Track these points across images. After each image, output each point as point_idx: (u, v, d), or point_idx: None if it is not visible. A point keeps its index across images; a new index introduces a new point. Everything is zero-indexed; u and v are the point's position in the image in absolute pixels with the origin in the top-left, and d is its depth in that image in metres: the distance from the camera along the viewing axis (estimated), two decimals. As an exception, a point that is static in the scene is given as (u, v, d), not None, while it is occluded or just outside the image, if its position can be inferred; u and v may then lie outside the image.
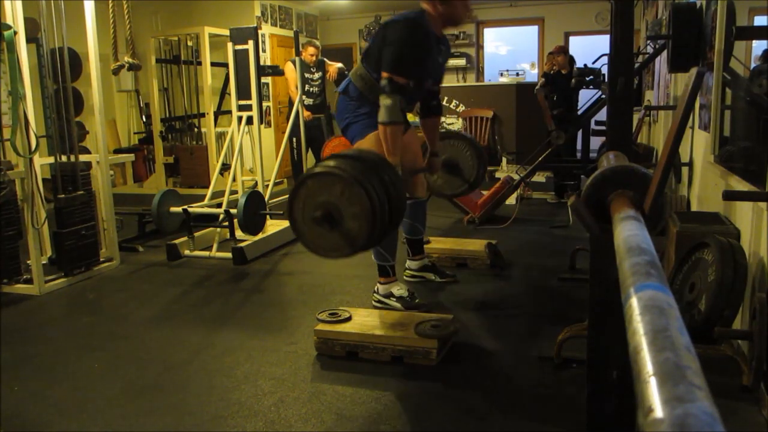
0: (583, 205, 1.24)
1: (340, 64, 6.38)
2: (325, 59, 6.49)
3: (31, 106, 3.64)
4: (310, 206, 2.25)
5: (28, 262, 3.72)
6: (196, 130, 7.82)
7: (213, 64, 6.84)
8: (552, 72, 6.51)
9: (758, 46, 3.33)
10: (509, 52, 11.14)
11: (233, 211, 4.26)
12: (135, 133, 8.32)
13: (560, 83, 6.34)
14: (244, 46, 4.84)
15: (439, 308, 3.14)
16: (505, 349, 2.72)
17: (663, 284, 0.63)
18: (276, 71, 5.68)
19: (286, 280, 3.93)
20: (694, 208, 3.62)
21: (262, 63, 5.25)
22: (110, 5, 4.24)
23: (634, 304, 0.59)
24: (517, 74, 10.02)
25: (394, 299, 3.14)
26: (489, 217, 5.22)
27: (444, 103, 7.80)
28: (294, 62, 5.73)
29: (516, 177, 5.38)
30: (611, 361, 1.52)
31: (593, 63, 5.23)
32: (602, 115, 4.93)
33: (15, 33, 3.50)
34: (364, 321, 2.76)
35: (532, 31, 9.84)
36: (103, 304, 3.54)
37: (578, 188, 5.70)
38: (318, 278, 3.86)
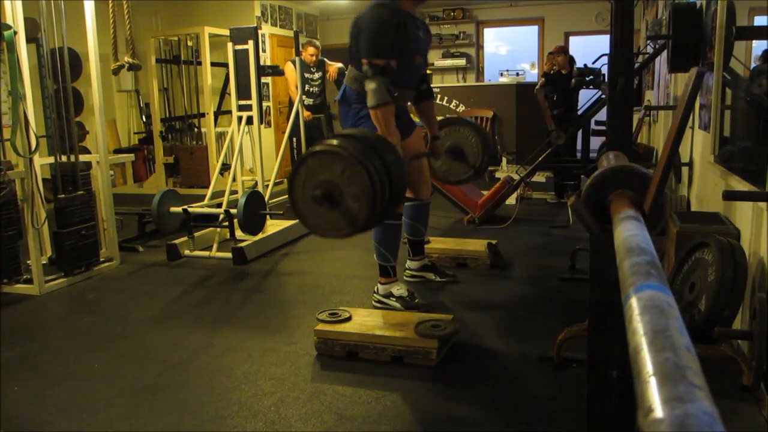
0: (583, 205, 1.24)
1: (340, 64, 6.38)
2: (325, 59, 6.49)
3: (31, 106, 3.64)
4: (310, 185, 2.23)
5: (28, 262, 3.72)
6: (196, 130, 7.82)
7: (213, 64, 6.84)
8: (552, 72, 6.51)
9: (758, 46, 3.33)
10: (509, 52, 11.15)
11: (233, 211, 4.26)
12: (135, 133, 8.31)
13: (560, 83, 6.34)
14: (244, 46, 4.84)
15: (439, 308, 3.14)
16: (505, 349, 2.72)
17: (663, 284, 0.63)
18: (276, 71, 5.68)
19: (286, 280, 3.93)
20: (694, 208, 3.62)
21: (262, 63, 5.25)
22: (110, 5, 4.25)
23: (634, 304, 0.59)
24: (517, 74, 10.02)
25: (394, 299, 3.14)
26: (489, 217, 5.22)
27: (444, 103, 7.81)
28: (294, 62, 5.73)
29: (516, 177, 5.38)
30: (611, 361, 1.52)
31: (593, 63, 5.23)
32: (602, 115, 4.93)
33: (15, 33, 3.50)
34: (364, 321, 2.76)
35: (532, 31, 9.85)
36: (103, 304, 3.54)
37: (578, 188, 5.70)
38: (318, 278, 3.86)
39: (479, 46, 9.97)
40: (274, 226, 4.81)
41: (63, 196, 3.75)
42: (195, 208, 4.54)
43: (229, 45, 4.94)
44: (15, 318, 3.33)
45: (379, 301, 3.18)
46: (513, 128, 7.83)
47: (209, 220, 4.65)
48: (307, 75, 6.27)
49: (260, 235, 4.52)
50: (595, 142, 5.91)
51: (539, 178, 6.55)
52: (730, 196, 2.24)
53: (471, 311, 3.18)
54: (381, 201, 2.20)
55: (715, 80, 3.00)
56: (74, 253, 3.83)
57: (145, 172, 7.99)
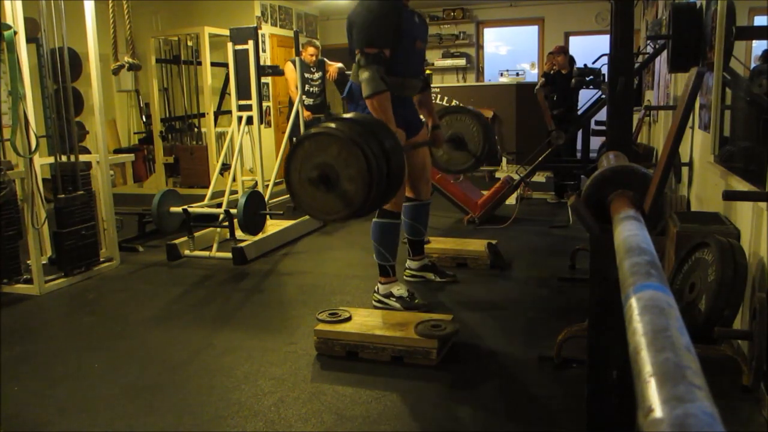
0: (583, 205, 1.24)
1: (340, 64, 6.37)
2: (325, 59, 6.49)
3: (31, 106, 3.64)
4: (306, 167, 2.23)
5: (28, 262, 3.72)
6: (196, 130, 7.82)
7: (213, 64, 6.84)
8: (552, 72, 6.51)
9: (758, 46, 3.33)
10: (509, 52, 11.15)
11: (233, 211, 4.26)
12: (135, 133, 8.31)
13: (560, 83, 6.34)
14: (244, 46, 4.84)
15: (439, 308, 3.14)
16: (505, 349, 2.72)
17: (663, 284, 0.63)
18: (276, 71, 5.68)
19: (286, 280, 3.93)
20: (694, 208, 3.61)
21: (262, 63, 5.25)
22: (110, 5, 4.25)
23: (634, 304, 0.59)
24: (517, 74, 10.02)
25: (394, 299, 3.14)
26: (489, 217, 5.22)
27: (444, 103, 7.80)
28: (294, 62, 5.73)
29: (516, 177, 5.38)
30: (611, 361, 1.52)
31: (593, 63, 5.22)
32: (602, 115, 4.93)
33: (15, 33, 3.50)
34: (364, 321, 2.75)
35: (532, 31, 9.85)
36: (103, 304, 3.54)
37: (578, 188, 5.70)
38: (318, 278, 3.86)
39: (479, 46, 9.97)
40: (274, 226, 4.81)
41: (63, 196, 3.75)
42: (195, 208, 4.54)
43: (229, 45, 4.94)
44: (15, 318, 3.33)
45: (379, 301, 3.18)
46: (513, 128, 7.83)
47: (209, 220, 4.65)
48: (307, 75, 6.27)
49: (260, 235, 4.52)
50: (595, 142, 5.90)
51: (539, 178, 6.55)
52: (730, 196, 2.23)
53: (471, 311, 3.18)
54: (377, 184, 2.19)
55: (715, 80, 3.00)
56: (74, 253, 3.83)
57: (145, 172, 7.99)
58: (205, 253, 4.42)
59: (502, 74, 10.09)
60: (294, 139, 5.82)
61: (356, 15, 2.96)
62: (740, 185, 2.50)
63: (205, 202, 4.79)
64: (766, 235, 2.20)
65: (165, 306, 3.48)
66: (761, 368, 1.99)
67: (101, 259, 4.11)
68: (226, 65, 5.82)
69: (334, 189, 2.21)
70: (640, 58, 5.19)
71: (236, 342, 2.87)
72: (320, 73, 6.47)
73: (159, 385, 2.47)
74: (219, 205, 4.58)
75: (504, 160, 7.32)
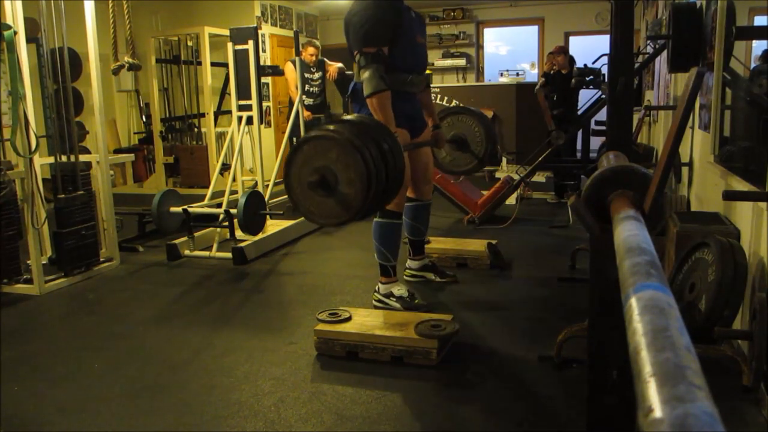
0: (583, 205, 1.24)
1: (340, 64, 6.38)
2: (325, 59, 6.49)
3: (31, 106, 3.64)
4: (305, 172, 2.23)
5: (28, 262, 3.72)
6: (196, 130, 7.82)
7: (213, 64, 6.84)
8: (552, 72, 6.51)
9: (758, 46, 3.33)
10: (509, 52, 11.15)
11: (233, 211, 4.26)
12: (135, 133, 8.32)
13: (560, 83, 6.34)
14: (244, 46, 4.84)
15: (439, 308, 3.14)
16: (505, 349, 2.72)
17: (663, 284, 0.63)
18: (276, 71, 5.69)
19: (286, 280, 3.93)
20: (694, 208, 3.62)
21: (262, 63, 5.25)
22: (110, 5, 4.25)
23: (634, 304, 0.59)
24: (517, 74, 10.02)
25: (394, 299, 3.14)
26: (489, 217, 5.22)
27: (444, 103, 7.81)
28: (294, 62, 5.74)
29: (516, 177, 5.38)
30: (611, 361, 1.52)
31: (593, 63, 5.22)
32: (602, 115, 4.93)
33: (15, 33, 3.50)
34: (364, 321, 2.75)
35: (532, 31, 9.85)
36: (103, 304, 3.54)
37: (578, 188, 5.70)
38: (318, 278, 3.86)
39: (479, 46, 9.97)
40: (274, 226, 4.81)
41: (63, 196, 3.75)
42: (195, 208, 4.55)
43: (229, 45, 4.94)
44: (15, 318, 3.33)
45: (379, 301, 3.18)
46: (513, 128, 7.83)
47: (209, 220, 4.65)
48: (307, 75, 6.27)
49: (260, 235, 4.52)
50: (595, 142, 5.90)
51: (539, 178, 6.55)
52: (730, 196, 2.23)
53: (471, 311, 3.18)
54: (376, 187, 2.19)
55: (715, 80, 3.00)
56: (74, 253, 3.83)
57: (145, 172, 8.00)
58: (205, 253, 4.42)
59: (502, 74, 10.09)
60: (294, 139, 5.84)
61: (352, 15, 2.95)
62: (740, 185, 2.50)
63: (205, 202, 4.80)
64: (766, 235, 2.20)
65: (165, 306, 3.49)
66: (761, 368, 1.99)
67: (101, 259, 4.11)
68: (226, 65, 5.82)
69: (333, 193, 2.21)
70: (640, 58, 5.19)
71: (236, 342, 2.87)
72: (320, 73, 6.47)
73: (159, 385, 2.47)
74: (219, 205, 4.58)
75: (504, 160, 7.32)
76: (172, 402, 2.32)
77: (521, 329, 2.95)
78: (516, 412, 2.20)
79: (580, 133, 5.73)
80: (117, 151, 7.63)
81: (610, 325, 1.51)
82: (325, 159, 2.20)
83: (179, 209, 4.45)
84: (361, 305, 3.20)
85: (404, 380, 2.43)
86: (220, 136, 7.23)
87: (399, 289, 3.16)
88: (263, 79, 6.29)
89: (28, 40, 3.65)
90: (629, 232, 0.87)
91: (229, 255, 4.25)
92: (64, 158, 3.83)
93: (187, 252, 4.45)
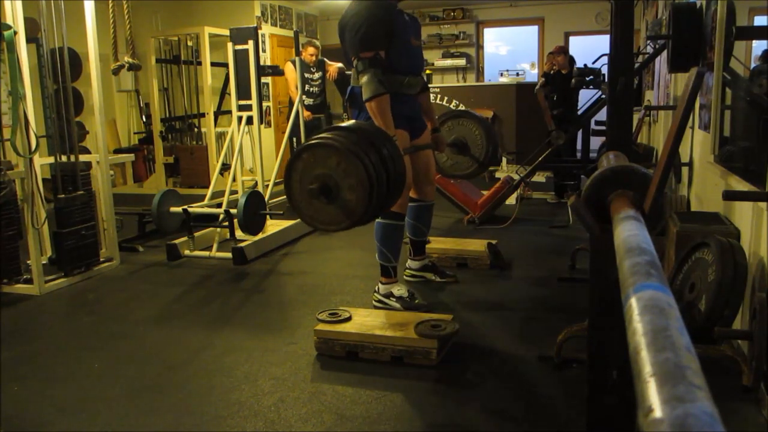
0: (583, 205, 1.24)
1: (340, 64, 6.37)
2: (325, 59, 6.49)
3: (31, 106, 3.64)
4: (306, 179, 2.24)
5: (28, 262, 3.72)
6: (196, 130, 7.82)
7: (213, 64, 6.84)
8: (552, 72, 6.51)
9: (758, 46, 3.33)
10: (509, 52, 11.15)
11: (233, 211, 4.26)
12: (135, 133, 8.32)
13: (560, 83, 6.34)
14: (244, 46, 4.84)
15: (439, 308, 3.14)
16: (505, 349, 2.72)
17: (663, 284, 0.63)
18: (276, 71, 5.68)
19: (286, 280, 3.93)
20: (694, 208, 3.62)
21: (262, 63, 5.25)
22: (110, 5, 4.25)
23: (634, 304, 0.60)
24: (517, 74, 10.02)
25: (394, 299, 3.14)
26: (489, 217, 5.22)
27: (444, 103, 7.80)
28: (294, 62, 5.73)
29: (516, 177, 5.38)
30: (611, 361, 1.52)
31: (593, 63, 5.22)
32: (602, 115, 4.93)
33: (15, 33, 3.50)
34: (364, 321, 2.75)
35: (532, 31, 9.85)
36: (103, 304, 3.54)
37: (578, 188, 5.70)
38: (318, 278, 3.86)
39: (479, 46, 9.97)
40: (274, 226, 4.81)
41: (63, 196, 3.75)
42: (195, 208, 4.55)
43: (229, 45, 4.94)
44: (15, 318, 3.33)
45: (379, 301, 3.18)
46: (513, 128, 7.83)
47: (209, 220, 4.66)
48: (307, 75, 6.27)
49: (260, 235, 4.52)
50: (595, 142, 5.90)
51: (539, 178, 6.55)
52: (730, 196, 2.23)
53: (471, 311, 3.18)
54: (378, 192, 2.19)
55: (715, 80, 3.00)
56: (74, 253, 3.83)
57: (145, 172, 8.00)
58: (205, 253, 4.42)
59: (502, 74, 10.09)
60: (294, 139, 5.84)
61: (347, 20, 2.95)
62: (740, 185, 2.50)
63: (205, 202, 4.79)
64: (766, 235, 2.20)
65: (165, 306, 3.49)
66: (761, 368, 1.99)
67: (101, 259, 4.11)
68: (226, 65, 5.82)
69: (334, 200, 2.21)
70: (640, 58, 5.19)
71: (236, 342, 2.87)
72: (320, 73, 6.47)
73: (159, 385, 2.47)
74: (219, 205, 4.58)
75: (504, 160, 7.32)
76: (172, 402, 2.32)
77: (521, 329, 2.95)
78: (516, 412, 2.20)
79: (580, 133, 5.73)
80: (117, 151, 7.63)
81: (610, 325, 1.51)
82: (325, 166, 2.20)
83: (179, 209, 4.45)
84: (361, 305, 3.20)
85: (404, 380, 2.43)
86: (220, 136, 7.23)
87: (399, 290, 3.16)
88: (263, 79, 6.29)
89: (28, 40, 3.65)
90: (629, 232, 0.87)
91: (229, 255, 4.25)
92: (64, 158, 3.83)
93: (187, 252, 4.45)
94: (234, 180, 4.95)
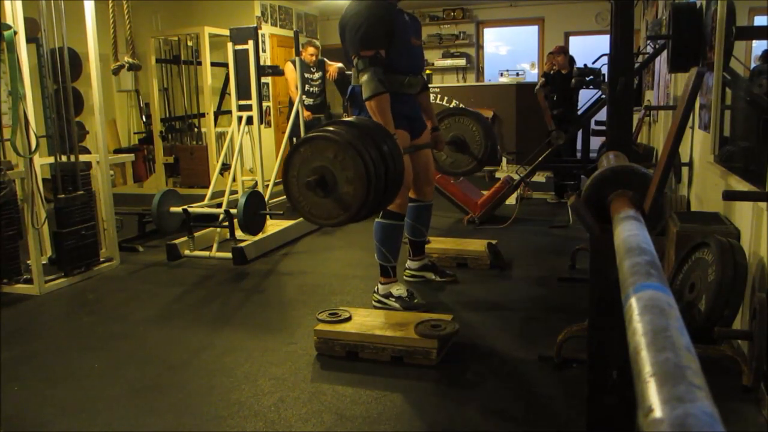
0: (583, 205, 1.24)
1: (340, 64, 6.37)
2: (325, 59, 6.49)
3: (31, 106, 3.64)
4: (304, 172, 2.23)
5: (28, 262, 3.72)
6: (196, 130, 7.82)
7: (213, 64, 6.84)
8: (552, 72, 6.51)
9: (758, 46, 3.33)
10: (509, 52, 11.15)
11: (233, 211, 4.26)
12: (135, 133, 8.32)
13: (560, 83, 6.34)
14: (244, 46, 4.84)
15: (439, 308, 3.14)
16: (505, 349, 2.72)
17: (663, 284, 0.63)
18: (276, 71, 5.68)
19: (286, 280, 3.93)
20: (694, 208, 3.62)
21: (262, 63, 5.25)
22: (110, 5, 4.25)
23: (634, 304, 0.60)
24: (517, 74, 10.02)
25: (393, 299, 3.14)
26: (489, 217, 5.22)
27: (444, 103, 7.80)
28: (294, 62, 5.73)
29: (516, 177, 5.38)
30: (611, 361, 1.52)
31: (593, 63, 5.22)
32: (602, 115, 4.93)
33: (15, 33, 3.50)
34: (364, 321, 2.75)
35: (532, 31, 9.85)
36: (103, 304, 3.54)
37: (578, 188, 5.70)
38: (318, 278, 3.86)
39: (479, 46, 9.97)
40: (274, 226, 4.81)
41: (63, 196, 3.75)
42: (195, 208, 4.54)
43: (229, 45, 4.94)
44: (15, 318, 3.33)
45: (378, 301, 3.18)
46: (513, 128, 7.83)
47: (209, 220, 4.65)
48: (307, 75, 6.27)
49: (260, 235, 4.52)
50: (595, 142, 5.90)
51: (539, 178, 6.55)
52: (730, 196, 2.24)
53: (471, 311, 3.18)
54: (376, 187, 2.19)
55: (715, 80, 3.00)
56: (74, 253, 3.83)
57: (145, 172, 8.00)
58: (205, 253, 4.42)
59: (502, 74, 10.09)
60: (294, 139, 5.84)
61: (347, 19, 2.95)
62: (740, 185, 2.50)
63: (205, 202, 4.79)
64: (766, 235, 2.20)
65: (165, 306, 3.49)
66: (761, 368, 1.99)
67: (101, 259, 4.11)
68: (226, 65, 5.82)
69: (331, 193, 2.21)
70: (640, 58, 5.19)
71: (236, 342, 2.87)
72: (320, 73, 6.47)
73: (159, 385, 2.47)
74: (219, 205, 4.58)
75: (504, 160, 7.32)
76: (172, 402, 2.32)
77: (521, 329, 2.95)
78: (516, 412, 2.20)
79: (580, 133, 5.73)
80: (117, 151, 7.63)
81: (610, 325, 1.51)
82: (322, 159, 2.20)
83: (179, 209, 4.45)
84: (361, 305, 3.20)
85: (404, 380, 2.43)
86: (220, 136, 7.23)
87: (398, 289, 3.16)
88: (263, 79, 6.29)
89: (28, 40, 3.65)
90: (629, 232, 0.87)
91: (229, 255, 4.25)
92: (64, 158, 3.83)
93: (187, 252, 4.45)
94: (234, 180, 4.95)
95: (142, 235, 5.04)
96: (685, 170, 4.03)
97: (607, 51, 1.97)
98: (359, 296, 3.45)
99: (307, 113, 6.06)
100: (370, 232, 3.17)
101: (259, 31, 5.91)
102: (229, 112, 5.65)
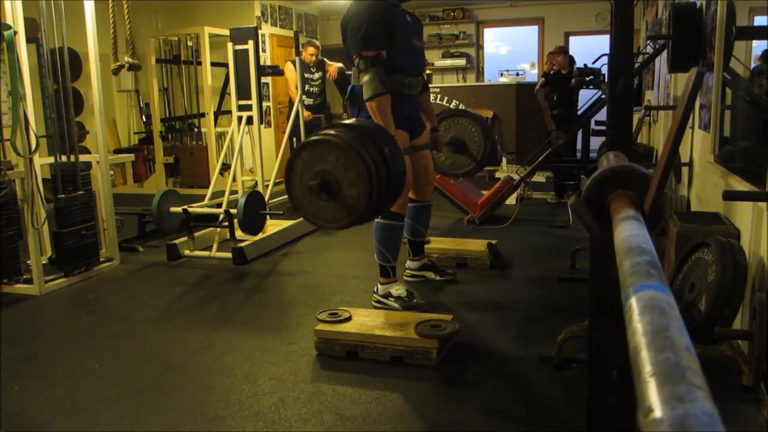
0: (583, 205, 1.24)
1: (340, 64, 6.38)
2: (325, 59, 6.49)
3: (31, 106, 3.64)
4: (307, 176, 2.23)
5: (28, 262, 3.72)
6: (196, 130, 7.82)
7: (213, 64, 6.84)
8: (552, 72, 6.51)
9: (758, 46, 3.33)
10: (509, 52, 11.15)
11: (233, 211, 4.26)
12: (135, 133, 8.32)
13: (560, 83, 6.34)
14: (244, 46, 4.84)
15: (439, 308, 3.14)
16: (505, 349, 2.72)
17: (663, 284, 0.63)
18: (276, 71, 5.68)
19: (286, 280, 3.93)
20: (694, 208, 3.62)
21: (262, 63, 5.25)
22: (110, 5, 4.24)
23: (634, 304, 0.60)
24: (517, 74, 10.02)
25: (393, 299, 3.14)
26: (489, 217, 5.22)
27: (444, 103, 7.81)
28: (294, 62, 5.73)
29: (516, 177, 5.38)
30: (611, 361, 1.52)
31: (593, 63, 5.23)
32: (602, 115, 4.93)
33: (15, 33, 3.50)
34: (364, 321, 2.75)
35: (532, 31, 9.85)
36: (103, 304, 3.54)
37: (578, 188, 5.70)
38: (318, 278, 3.86)
39: (479, 46, 9.96)
40: (274, 226, 4.81)
41: (63, 196, 3.75)
42: (195, 208, 4.54)
43: (229, 45, 4.94)
44: (15, 318, 3.33)
45: (378, 301, 3.18)
46: (513, 128, 7.83)
47: (209, 220, 4.65)
48: (307, 75, 6.27)
49: (260, 235, 4.52)
50: (595, 142, 5.91)
51: (539, 178, 6.55)
52: (730, 196, 2.24)
53: (471, 311, 3.18)
54: (378, 187, 2.19)
55: (715, 80, 3.00)
56: (74, 253, 3.83)
57: (145, 172, 8.00)
58: (205, 253, 4.42)
59: (502, 74, 10.09)
60: (294, 139, 5.85)
61: (349, 18, 2.95)
62: (740, 185, 2.50)
63: (205, 202, 4.79)
64: (766, 235, 2.20)
65: (165, 306, 3.49)
66: (761, 368, 1.99)
67: (101, 259, 4.11)
68: (226, 65, 5.82)
69: (335, 197, 2.21)
70: (640, 58, 5.19)
71: (236, 342, 2.87)
72: (320, 73, 6.47)
73: (159, 385, 2.47)
74: (219, 205, 4.58)
75: (504, 160, 7.32)
76: (172, 402, 2.32)
77: (521, 329, 2.95)
78: (516, 412, 2.20)
79: (580, 133, 5.73)
80: (117, 151, 7.63)
81: (610, 325, 1.51)
82: (325, 162, 2.20)
83: (179, 209, 4.45)
84: (361, 305, 3.20)
85: (404, 380, 2.43)
86: (220, 136, 7.23)
87: (398, 289, 3.16)
88: (263, 79, 6.29)
89: (28, 40, 3.65)
90: (629, 232, 0.87)
91: (229, 255, 4.25)
92: (64, 158, 3.83)
93: (187, 252, 4.45)
94: (234, 180, 4.95)
95: (142, 235, 5.04)
96: (685, 170, 4.03)
97: (607, 51, 1.97)
98: (359, 296, 3.45)
99: (307, 113, 6.06)
100: (370, 233, 3.17)
101: (259, 31, 5.91)
102: (229, 112, 5.65)
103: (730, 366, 2.20)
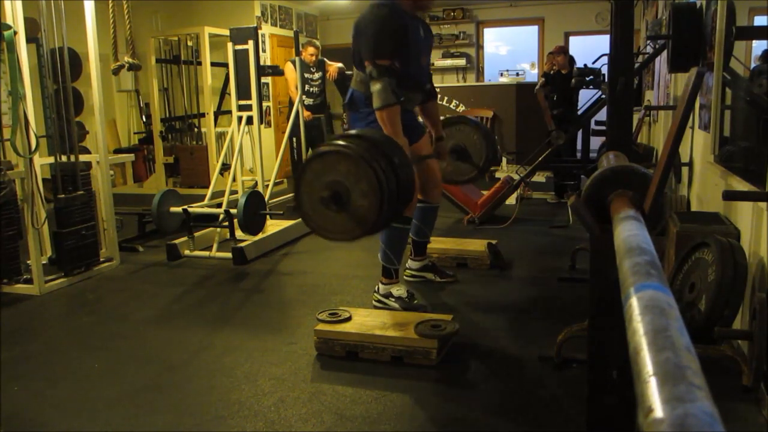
0: (583, 205, 1.24)
1: (340, 64, 6.38)
2: (325, 59, 6.49)
3: (31, 106, 3.64)
4: (316, 188, 2.22)
5: (28, 262, 3.72)
6: (196, 130, 7.82)
7: (213, 64, 6.84)
8: (552, 72, 6.51)
9: (758, 46, 3.33)
10: (509, 52, 11.15)
11: (233, 211, 4.26)
12: (135, 133, 8.31)
13: (560, 83, 6.34)
14: (244, 46, 4.84)
15: (439, 308, 3.14)
16: (505, 349, 2.72)
17: (663, 284, 0.63)
18: (276, 71, 5.68)
19: (286, 280, 3.93)
20: (694, 208, 3.62)
21: (262, 63, 5.25)
22: (110, 5, 4.24)
23: (634, 304, 0.60)
24: (517, 74, 10.02)
25: (393, 299, 3.14)
26: (489, 217, 5.22)
27: (444, 103, 7.81)
28: (294, 62, 5.73)
29: (516, 177, 5.38)
30: (611, 361, 1.52)
31: (593, 63, 5.22)
32: (602, 115, 4.93)
33: (15, 33, 3.50)
34: (364, 321, 2.75)
35: (532, 31, 9.84)
36: (103, 304, 3.54)
37: (578, 188, 5.70)
38: (318, 278, 3.86)
39: (479, 46, 9.96)
40: (274, 226, 4.81)
41: (63, 196, 3.75)
42: (195, 208, 4.54)
43: (229, 45, 4.94)
44: (15, 318, 3.33)
45: (378, 301, 3.18)
46: (513, 128, 7.83)
47: (209, 220, 4.65)
48: (307, 75, 6.27)
49: (260, 235, 4.52)
50: (595, 142, 5.90)
51: (539, 178, 6.55)
52: (730, 196, 2.24)
53: (471, 311, 3.18)
54: (389, 198, 2.18)
55: (715, 80, 3.00)
56: (74, 253, 3.83)
57: (145, 172, 7.99)
58: (205, 253, 4.42)
59: (502, 74, 10.09)
60: (294, 139, 5.85)
61: (366, 24, 2.90)
62: (740, 185, 2.50)
63: (205, 202, 4.79)
64: (766, 235, 2.20)
65: (165, 306, 3.49)
66: (761, 368, 1.99)
67: (101, 259, 4.11)
68: (226, 65, 5.82)
69: (346, 208, 2.19)
70: (640, 58, 5.19)
71: (236, 342, 2.87)
72: (320, 73, 6.47)
73: (159, 385, 2.47)
74: (219, 205, 4.58)
75: (504, 160, 7.31)
76: (172, 402, 2.32)
77: (521, 329, 2.95)
78: (516, 412, 2.20)
79: (580, 133, 5.73)
80: (117, 151, 7.63)
81: (610, 325, 1.51)
82: (336, 173, 2.18)
83: (179, 209, 4.45)
84: (361, 305, 3.20)
85: (404, 380, 2.43)
86: (220, 136, 7.23)
87: (398, 290, 3.16)
88: (263, 79, 6.29)
89: (28, 40, 3.65)
90: (629, 232, 0.87)
91: (229, 255, 4.25)
92: (64, 158, 3.83)
93: (187, 252, 4.45)
94: (234, 180, 4.95)
95: (142, 235, 5.04)
96: (685, 170, 4.03)
97: (607, 51, 1.97)
98: (359, 296, 3.45)
99: (307, 113, 6.06)
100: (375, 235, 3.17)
101: (259, 31, 5.91)
102: (229, 112, 5.65)
103: (730, 366, 2.20)
